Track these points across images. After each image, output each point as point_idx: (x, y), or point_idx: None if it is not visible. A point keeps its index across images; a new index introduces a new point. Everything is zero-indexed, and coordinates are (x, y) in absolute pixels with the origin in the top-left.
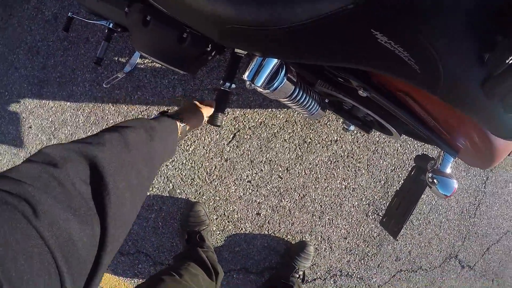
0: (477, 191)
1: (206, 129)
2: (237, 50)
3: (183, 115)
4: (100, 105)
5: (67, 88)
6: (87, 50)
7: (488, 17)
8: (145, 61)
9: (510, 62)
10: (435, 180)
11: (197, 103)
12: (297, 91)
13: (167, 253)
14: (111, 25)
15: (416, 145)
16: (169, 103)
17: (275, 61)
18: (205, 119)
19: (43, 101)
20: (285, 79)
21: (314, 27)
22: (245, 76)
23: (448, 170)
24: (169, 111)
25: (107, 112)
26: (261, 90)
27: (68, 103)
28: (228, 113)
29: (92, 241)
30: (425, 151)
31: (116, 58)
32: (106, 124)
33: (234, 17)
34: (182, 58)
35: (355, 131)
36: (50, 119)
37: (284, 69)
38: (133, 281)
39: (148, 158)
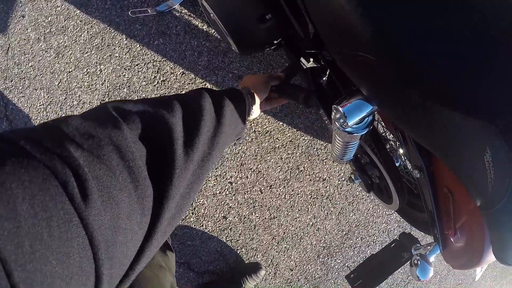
0: None
1: None
2: (302, 60)
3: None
4: (112, 31)
5: None
6: None
7: None
8: (183, 11)
9: None
10: (418, 263)
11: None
12: (353, 144)
13: None
14: None
15: (384, 213)
16: (187, 66)
17: (371, 108)
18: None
19: None
20: (362, 132)
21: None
22: (341, 109)
23: (432, 259)
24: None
25: (116, 42)
26: (339, 126)
27: (78, 11)
28: None
29: (142, 229)
30: (390, 220)
31: None
32: (109, 56)
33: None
34: (247, 36)
35: (351, 184)
36: (49, 18)
37: (370, 120)
38: None
39: (217, 142)
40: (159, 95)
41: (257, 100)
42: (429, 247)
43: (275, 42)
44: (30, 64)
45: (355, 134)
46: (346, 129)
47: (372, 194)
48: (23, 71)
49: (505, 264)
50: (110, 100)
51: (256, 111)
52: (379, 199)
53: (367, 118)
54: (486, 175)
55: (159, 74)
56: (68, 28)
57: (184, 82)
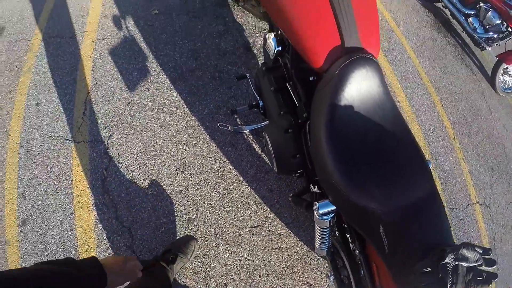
0: None
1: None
2: (311, 186)
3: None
4: (202, 129)
5: (193, 98)
6: (224, 93)
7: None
8: (249, 136)
9: (424, 271)
10: None
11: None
12: (326, 230)
13: (146, 247)
14: (261, 104)
15: None
16: (240, 171)
17: (333, 207)
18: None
19: (171, 86)
20: (328, 219)
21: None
22: (317, 204)
23: None
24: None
25: (202, 137)
26: (315, 213)
27: (185, 107)
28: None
29: None
30: None
31: (236, 117)
32: (194, 143)
33: (343, 187)
34: (282, 161)
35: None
36: (165, 100)
37: (333, 215)
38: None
39: None
40: (215, 183)
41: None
42: None
43: (299, 171)
44: (140, 121)
45: (324, 219)
46: (318, 216)
47: None
48: (134, 122)
49: None
50: (182, 172)
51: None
52: None
53: (331, 213)
54: (383, 241)
55: (221, 169)
56: (175, 113)
57: (234, 181)
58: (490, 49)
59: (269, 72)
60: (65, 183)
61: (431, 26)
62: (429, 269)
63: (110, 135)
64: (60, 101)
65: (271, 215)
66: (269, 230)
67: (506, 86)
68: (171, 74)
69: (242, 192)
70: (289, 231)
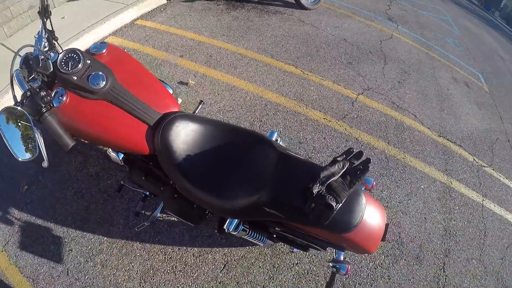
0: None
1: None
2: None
3: None
4: (128, 241)
5: (105, 226)
6: (121, 204)
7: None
8: (164, 216)
9: (312, 207)
10: (336, 266)
11: None
12: (249, 233)
13: None
14: (147, 193)
15: None
16: (180, 245)
17: (236, 220)
18: None
19: (84, 233)
20: (242, 229)
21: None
22: (225, 225)
23: (341, 258)
24: None
25: (135, 246)
26: (231, 232)
27: (106, 238)
28: None
29: None
30: None
31: (143, 212)
32: (134, 255)
33: (228, 206)
34: (189, 217)
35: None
36: (89, 247)
37: (241, 224)
38: None
39: None
40: (172, 266)
41: None
42: (335, 252)
43: (208, 214)
44: (86, 276)
45: (239, 230)
46: (234, 233)
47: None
48: (81, 279)
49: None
50: (144, 281)
51: None
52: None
53: (240, 224)
54: (276, 213)
55: (166, 255)
56: (103, 248)
57: (182, 253)
58: None
59: (132, 168)
60: None
61: (227, 10)
62: (313, 205)
63: None
64: None
65: (226, 250)
66: (234, 259)
67: (311, 0)
68: (76, 223)
69: (193, 255)
70: (247, 248)
